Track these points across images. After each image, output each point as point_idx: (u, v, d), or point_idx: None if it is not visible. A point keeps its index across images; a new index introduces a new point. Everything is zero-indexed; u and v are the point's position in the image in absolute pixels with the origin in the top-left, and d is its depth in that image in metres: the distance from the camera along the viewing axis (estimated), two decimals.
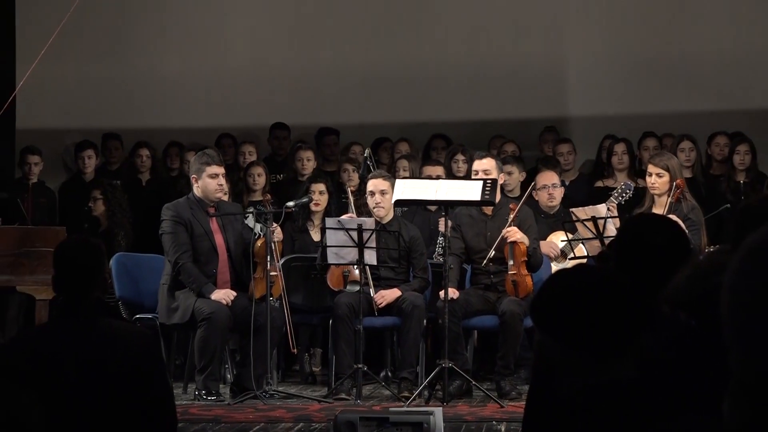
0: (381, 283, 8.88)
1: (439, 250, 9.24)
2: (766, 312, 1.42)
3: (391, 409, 7.35)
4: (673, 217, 7.44)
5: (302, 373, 9.63)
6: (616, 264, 3.35)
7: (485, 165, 8.75)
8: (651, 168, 8.80)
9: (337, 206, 9.87)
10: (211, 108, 11.91)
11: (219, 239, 8.54)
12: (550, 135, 11.19)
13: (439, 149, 10.98)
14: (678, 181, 8.65)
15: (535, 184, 9.43)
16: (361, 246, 8.41)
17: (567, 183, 10.58)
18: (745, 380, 1.43)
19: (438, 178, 9.19)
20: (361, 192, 9.56)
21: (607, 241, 8.13)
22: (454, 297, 8.49)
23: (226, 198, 8.79)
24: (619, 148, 10.49)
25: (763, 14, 11.70)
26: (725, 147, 10.52)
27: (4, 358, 3.45)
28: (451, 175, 9.91)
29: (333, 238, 8.53)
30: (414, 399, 8.15)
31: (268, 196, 9.11)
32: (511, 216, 8.68)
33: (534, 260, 8.70)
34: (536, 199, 9.43)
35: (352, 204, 9.29)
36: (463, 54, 11.84)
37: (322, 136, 11.33)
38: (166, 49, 12.04)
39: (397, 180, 8.80)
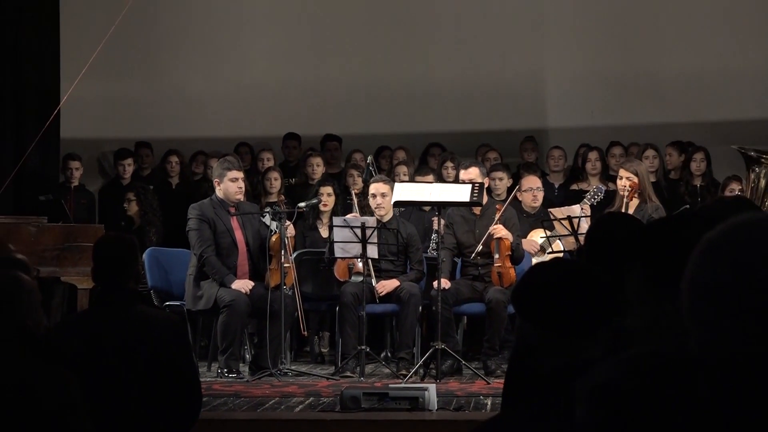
0: (382, 275, 8.88)
1: (433, 245, 9.25)
2: (724, 303, 1.42)
3: (390, 385, 7.36)
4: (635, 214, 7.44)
5: (312, 354, 9.63)
6: (589, 257, 3.36)
7: (471, 174, 8.76)
8: (622, 172, 8.79)
9: (343, 207, 9.88)
10: (231, 119, 11.90)
11: (239, 235, 8.54)
12: (529, 144, 11.20)
13: (436, 156, 11.00)
14: (630, 183, 8.62)
15: (520, 187, 9.43)
16: (364, 242, 8.41)
17: (557, 186, 10.63)
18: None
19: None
20: (364, 194, 9.56)
21: (581, 238, 8.14)
22: (446, 286, 8.50)
23: (244, 199, 8.80)
24: (593, 155, 10.50)
25: (721, 37, 11.70)
26: (671, 155, 10.59)
27: (50, 340, 3.45)
28: (441, 179, 9.93)
29: (339, 234, 8.53)
30: (411, 377, 8.16)
31: (282, 198, 9.13)
32: (498, 215, 8.69)
33: (517, 254, 8.71)
34: (520, 200, 9.44)
35: (356, 205, 9.29)
36: (454, 72, 11.85)
37: (326, 142, 11.35)
38: (192, 67, 12.04)
39: (396, 183, 8.81)
